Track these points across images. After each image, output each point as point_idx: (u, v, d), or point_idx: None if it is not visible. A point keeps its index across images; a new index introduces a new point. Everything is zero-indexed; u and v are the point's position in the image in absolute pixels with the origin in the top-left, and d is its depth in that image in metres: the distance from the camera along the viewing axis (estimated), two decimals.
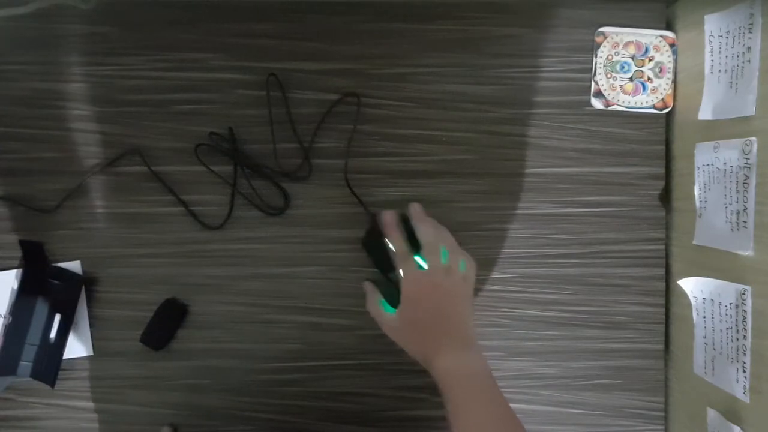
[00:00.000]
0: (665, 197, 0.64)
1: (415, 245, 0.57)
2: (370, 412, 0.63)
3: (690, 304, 0.59)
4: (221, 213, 0.62)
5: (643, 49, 0.63)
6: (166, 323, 0.61)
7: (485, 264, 0.63)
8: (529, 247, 0.63)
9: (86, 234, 0.62)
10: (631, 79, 0.63)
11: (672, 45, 0.62)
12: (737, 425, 0.52)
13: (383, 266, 0.61)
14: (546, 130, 0.63)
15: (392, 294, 0.57)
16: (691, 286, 0.59)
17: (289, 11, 0.61)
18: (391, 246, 0.57)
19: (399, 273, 0.54)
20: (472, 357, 0.53)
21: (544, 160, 0.63)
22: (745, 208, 0.51)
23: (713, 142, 0.55)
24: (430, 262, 0.54)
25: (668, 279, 0.64)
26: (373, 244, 0.61)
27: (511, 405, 0.52)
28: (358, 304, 0.63)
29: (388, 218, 0.57)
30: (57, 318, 0.60)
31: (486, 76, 0.63)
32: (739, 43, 0.52)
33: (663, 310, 0.64)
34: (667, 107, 0.63)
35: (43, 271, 0.60)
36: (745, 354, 0.51)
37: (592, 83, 0.63)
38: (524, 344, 0.64)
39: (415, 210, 0.58)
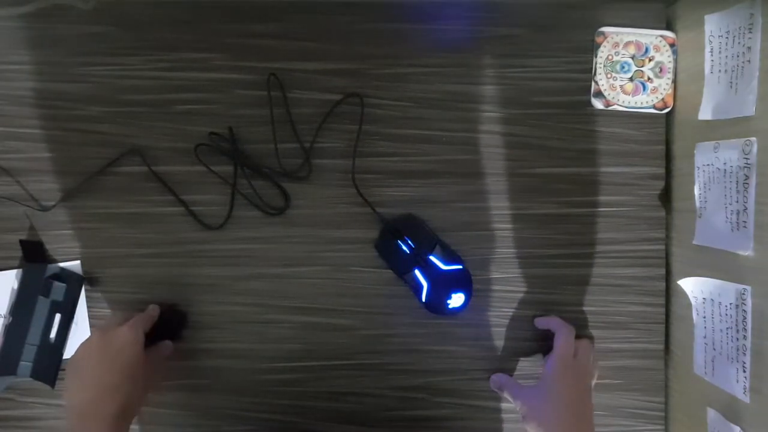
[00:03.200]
0: (665, 197, 0.64)
1: (424, 245, 0.59)
2: (370, 412, 0.63)
3: (690, 304, 0.59)
4: (221, 213, 0.62)
5: (643, 49, 0.63)
6: (164, 331, 0.60)
7: (485, 264, 0.63)
8: (529, 247, 0.63)
9: (86, 234, 0.62)
10: (631, 79, 0.63)
11: (672, 45, 0.62)
12: (737, 425, 0.52)
13: (397, 268, 0.61)
14: (546, 130, 0.63)
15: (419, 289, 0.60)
16: (691, 286, 0.59)
17: (289, 11, 0.61)
18: (404, 248, 0.59)
19: (554, 350, 0.58)
20: None
21: (544, 160, 0.63)
22: (745, 208, 0.51)
23: (713, 142, 0.55)
24: (579, 358, 0.58)
25: (668, 279, 0.64)
26: (386, 246, 0.61)
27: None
28: (358, 304, 0.63)
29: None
30: (57, 318, 0.60)
31: (485, 76, 0.63)
32: (739, 43, 0.52)
33: (663, 310, 0.64)
34: (667, 107, 0.63)
35: (43, 271, 0.60)
36: (745, 354, 0.51)
37: (592, 83, 0.63)
38: (524, 344, 0.64)
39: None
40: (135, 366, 0.53)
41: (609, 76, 0.63)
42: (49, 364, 0.60)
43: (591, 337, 0.64)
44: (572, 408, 0.54)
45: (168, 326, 0.60)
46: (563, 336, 0.58)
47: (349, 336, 0.63)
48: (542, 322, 0.62)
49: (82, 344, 0.55)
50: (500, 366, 0.63)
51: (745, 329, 0.51)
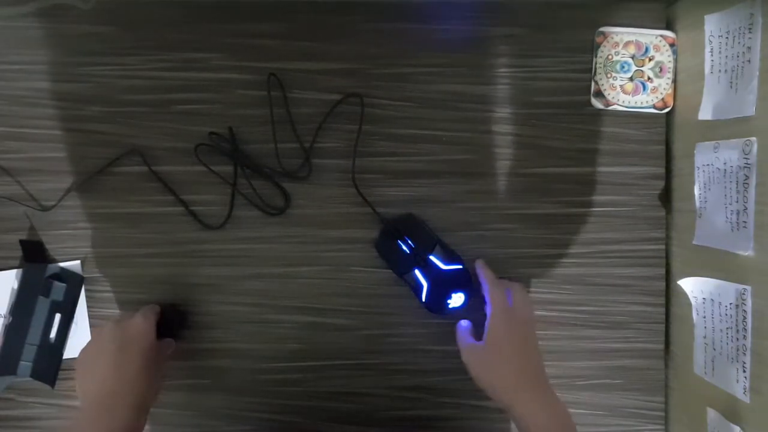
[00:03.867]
0: (665, 197, 0.64)
1: (424, 245, 0.59)
2: (370, 412, 0.63)
3: (690, 304, 0.59)
4: (221, 213, 0.62)
5: (643, 49, 0.63)
6: (165, 331, 0.60)
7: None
8: (529, 247, 0.63)
9: (86, 234, 0.62)
10: (631, 79, 0.63)
11: (672, 45, 0.62)
12: (737, 425, 0.52)
13: (397, 268, 0.61)
14: (546, 130, 0.63)
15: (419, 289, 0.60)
16: (691, 286, 0.59)
17: (289, 11, 0.61)
18: (404, 248, 0.59)
19: (488, 305, 0.57)
20: (554, 397, 0.53)
21: (544, 160, 0.63)
22: (745, 208, 0.51)
23: (713, 142, 0.55)
24: (516, 305, 0.57)
25: (668, 279, 0.64)
26: (386, 246, 0.61)
27: None
28: (358, 304, 0.63)
29: (484, 266, 0.61)
30: (57, 318, 0.60)
31: (485, 76, 0.63)
32: (739, 43, 0.52)
33: (663, 310, 0.64)
34: (667, 107, 0.63)
35: (43, 271, 0.60)
36: (745, 354, 0.51)
37: (592, 83, 0.63)
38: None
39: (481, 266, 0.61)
40: (150, 355, 0.53)
41: (609, 76, 0.63)
42: (49, 364, 0.60)
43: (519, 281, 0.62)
44: (520, 361, 0.54)
45: (168, 326, 0.60)
46: (490, 287, 0.57)
47: (349, 336, 0.63)
48: (479, 273, 0.61)
49: (96, 334, 0.55)
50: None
51: (745, 329, 0.51)
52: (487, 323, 0.56)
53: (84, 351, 0.54)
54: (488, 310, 0.57)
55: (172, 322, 0.61)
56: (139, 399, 0.51)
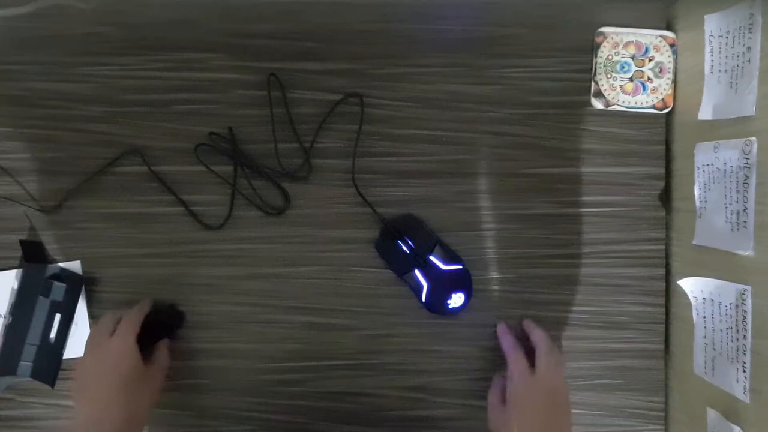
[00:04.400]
0: (665, 197, 0.64)
1: (424, 245, 0.59)
2: (370, 412, 0.63)
3: (690, 304, 0.59)
4: (221, 213, 0.62)
5: (643, 49, 0.63)
6: (162, 331, 0.60)
7: (485, 264, 0.63)
8: (529, 247, 0.63)
9: (86, 234, 0.62)
10: (631, 79, 0.63)
11: (672, 45, 0.62)
12: (737, 425, 0.52)
13: (397, 268, 0.61)
14: (546, 130, 0.63)
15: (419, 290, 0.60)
16: (691, 286, 0.59)
17: (289, 11, 0.61)
18: (404, 248, 0.59)
19: (509, 372, 0.56)
20: None
21: (544, 160, 0.63)
22: (745, 208, 0.51)
23: (713, 142, 0.56)
24: (540, 370, 0.55)
25: (668, 279, 0.64)
26: (386, 246, 0.61)
27: None
28: (358, 304, 0.63)
29: (506, 331, 0.60)
30: (57, 318, 0.60)
31: (486, 76, 0.63)
32: (739, 43, 0.52)
33: (663, 310, 0.64)
34: (667, 107, 0.63)
35: (43, 271, 0.60)
36: (745, 354, 0.51)
37: (592, 83, 0.63)
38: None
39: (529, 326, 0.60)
40: (134, 377, 0.53)
41: (609, 76, 0.63)
42: (49, 364, 0.60)
43: (556, 341, 0.61)
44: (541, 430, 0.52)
45: (166, 326, 0.60)
46: (511, 353, 0.56)
47: (349, 336, 0.63)
48: (501, 339, 0.60)
49: (78, 362, 0.55)
50: (500, 366, 0.63)
51: (745, 329, 0.51)
52: (508, 388, 0.55)
53: (74, 378, 0.55)
54: (509, 376, 0.56)
55: (170, 321, 0.61)
56: (123, 422, 0.51)
